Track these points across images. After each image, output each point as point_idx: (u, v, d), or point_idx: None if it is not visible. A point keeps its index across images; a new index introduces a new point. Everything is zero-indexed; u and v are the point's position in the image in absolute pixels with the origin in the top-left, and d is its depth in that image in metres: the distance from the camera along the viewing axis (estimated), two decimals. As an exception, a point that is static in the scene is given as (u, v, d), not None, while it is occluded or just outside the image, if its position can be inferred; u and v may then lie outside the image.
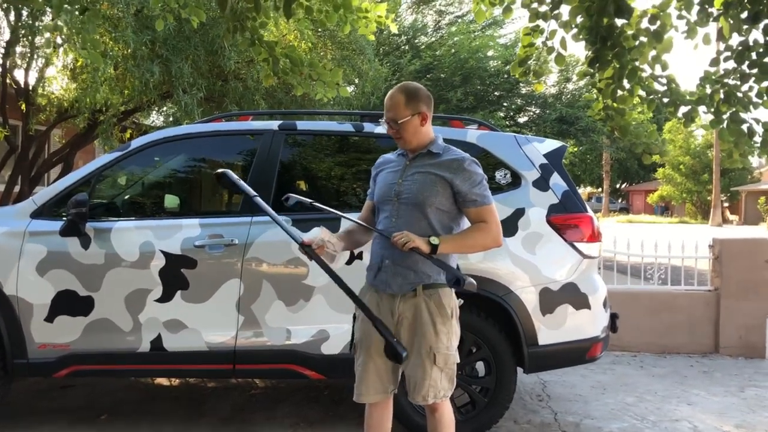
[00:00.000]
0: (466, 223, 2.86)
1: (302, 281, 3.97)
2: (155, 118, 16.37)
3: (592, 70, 5.23)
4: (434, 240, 2.67)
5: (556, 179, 4.23)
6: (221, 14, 5.05)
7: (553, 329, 4.04)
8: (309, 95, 5.42)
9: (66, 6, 4.98)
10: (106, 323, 3.93)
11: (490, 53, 20.49)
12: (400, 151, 2.97)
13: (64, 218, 3.94)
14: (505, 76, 19.63)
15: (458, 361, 2.84)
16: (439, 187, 2.78)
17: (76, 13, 5.12)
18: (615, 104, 5.39)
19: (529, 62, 5.69)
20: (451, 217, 2.83)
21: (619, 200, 64.05)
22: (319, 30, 10.69)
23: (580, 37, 5.24)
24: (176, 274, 3.93)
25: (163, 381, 5.30)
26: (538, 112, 21.02)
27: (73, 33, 4.96)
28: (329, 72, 5.56)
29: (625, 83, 5.20)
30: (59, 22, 5.02)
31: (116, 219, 4.17)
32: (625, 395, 5.17)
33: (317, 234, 2.80)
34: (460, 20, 21.67)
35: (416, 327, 2.76)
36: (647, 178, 58.75)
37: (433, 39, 21.42)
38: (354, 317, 2.96)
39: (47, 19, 8.54)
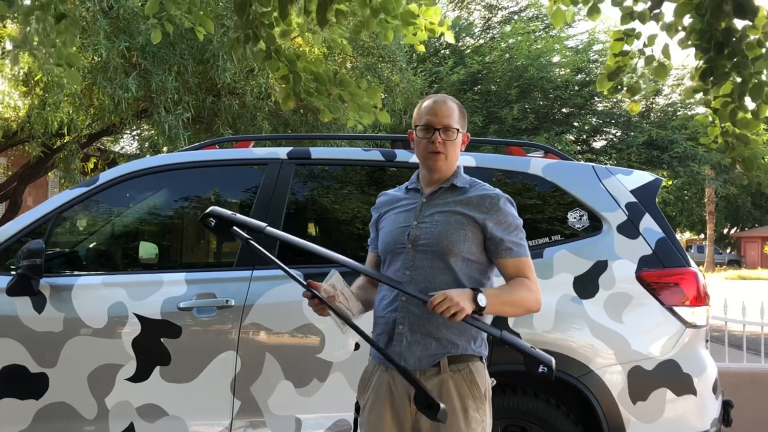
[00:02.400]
0: (496, 279, 2.90)
1: (316, 355, 3.97)
2: (127, 143, 16.67)
3: (705, 86, 5.20)
4: (482, 299, 2.65)
5: (648, 223, 4.22)
6: (239, 22, 5.12)
7: (646, 422, 3.97)
8: (338, 120, 5.41)
9: (37, 13, 5.11)
10: (63, 409, 3.94)
11: (555, 59, 20.62)
12: (408, 185, 3.01)
13: (13, 272, 4.00)
14: (576, 88, 19.71)
15: None
16: (468, 231, 2.81)
17: (51, 20, 5.24)
18: (736, 129, 5.34)
19: (621, 75, 5.70)
20: (481, 270, 2.86)
21: (728, 250, 63.29)
22: (354, 40, 10.85)
23: (689, 42, 5.24)
24: (155, 346, 3.95)
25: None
26: (619, 134, 21.00)
27: (44, 44, 5.07)
28: (365, 92, 5.58)
29: (748, 102, 5.16)
30: (29, 30, 5.14)
31: (79, 273, 4.22)
32: None
33: (330, 279, 2.79)
34: (516, 17, 21.92)
35: None
36: (764, 220, 58.09)
37: (482, 41, 21.68)
38: (357, 407, 2.95)
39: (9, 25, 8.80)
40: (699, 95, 5.67)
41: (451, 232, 2.80)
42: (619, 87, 5.76)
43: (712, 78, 5.13)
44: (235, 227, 2.95)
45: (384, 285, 2.89)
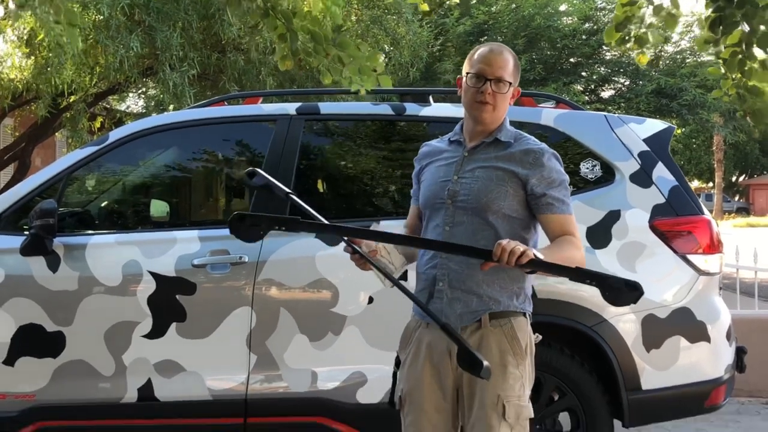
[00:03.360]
0: (540, 234, 2.85)
1: (331, 309, 3.99)
2: (133, 102, 16.62)
3: (714, 36, 5.12)
4: (537, 254, 2.56)
5: (661, 171, 4.20)
6: None
7: (660, 369, 4.00)
8: (338, 84, 5.30)
9: None
10: (80, 366, 3.98)
11: (562, 7, 20.41)
12: (450, 137, 2.94)
13: (26, 233, 4.01)
14: (584, 37, 19.52)
15: (532, 415, 2.79)
16: (509, 187, 2.74)
17: None
18: (748, 81, 5.27)
19: (629, 26, 5.60)
20: (524, 225, 2.80)
21: (736, 198, 63.12)
22: None
23: None
24: (170, 303, 3.97)
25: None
26: (627, 83, 20.84)
27: (43, 1, 5.00)
28: (365, 55, 5.49)
29: (758, 53, 5.08)
30: None
31: (92, 232, 4.23)
32: (757, 455, 5.08)
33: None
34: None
35: None
36: (773, 167, 57.80)
37: (488, -9, 21.40)
38: (397, 361, 2.93)
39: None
40: (711, 47, 5.58)
41: (492, 189, 2.73)
42: (627, 38, 5.67)
43: (721, 27, 5.05)
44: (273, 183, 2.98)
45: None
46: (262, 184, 2.97)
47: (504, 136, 2.82)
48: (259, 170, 3.02)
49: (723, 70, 5.41)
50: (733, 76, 5.32)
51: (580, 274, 2.59)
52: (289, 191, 2.96)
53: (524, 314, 2.81)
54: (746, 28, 5.03)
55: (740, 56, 5.13)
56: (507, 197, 2.74)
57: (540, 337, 2.85)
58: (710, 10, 5.08)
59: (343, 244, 2.80)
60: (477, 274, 2.69)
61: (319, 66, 5.44)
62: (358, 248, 2.72)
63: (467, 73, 2.80)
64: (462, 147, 2.87)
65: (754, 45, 5.05)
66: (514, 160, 2.76)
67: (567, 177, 2.82)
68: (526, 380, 2.76)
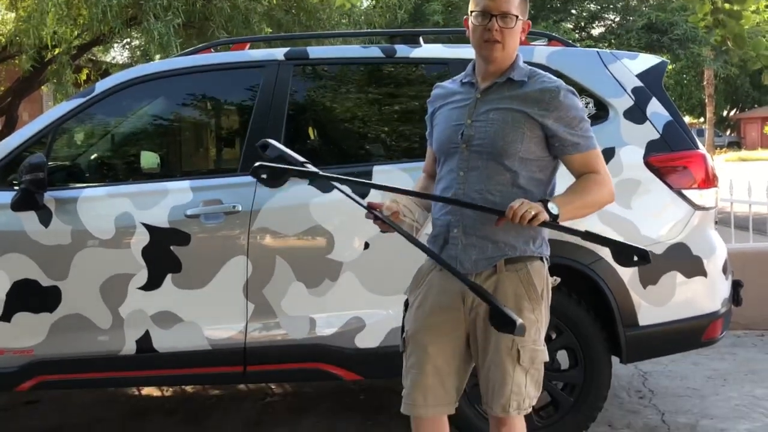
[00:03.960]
0: (560, 174, 2.81)
1: (326, 256, 3.98)
2: (118, 53, 16.40)
3: None
4: (553, 207, 2.55)
5: (655, 107, 4.16)
6: None
7: (657, 305, 4.02)
8: (313, 7, 5.19)
9: None
10: (77, 320, 3.98)
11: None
12: (462, 78, 2.86)
13: (16, 187, 3.97)
14: (573, -27, 19.29)
15: (547, 359, 2.79)
16: (525, 129, 2.67)
17: None
18: (727, 5, 5.20)
19: None
20: (542, 167, 2.74)
21: (728, 132, 63.07)
22: None
23: None
24: (165, 254, 3.96)
25: (153, 392, 5.38)
26: (618, 19, 20.68)
27: None
28: None
29: None
30: None
31: (83, 185, 4.20)
32: (753, 386, 5.15)
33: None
34: None
35: None
36: (763, 101, 57.65)
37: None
38: (406, 304, 2.91)
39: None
40: None
41: (507, 132, 2.67)
42: None
43: None
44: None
45: (440, 184, 2.80)
46: (276, 155, 2.87)
47: (517, 75, 2.74)
48: (271, 141, 2.89)
49: None
50: (713, 1, 5.25)
51: (592, 238, 2.61)
52: (305, 160, 2.83)
53: (541, 258, 2.78)
54: None
55: None
56: (524, 140, 2.68)
57: (558, 279, 2.84)
58: None
59: (336, 194, 2.78)
60: (492, 220, 2.65)
61: None
62: (378, 214, 2.68)
63: (472, 12, 2.72)
64: (475, 88, 2.80)
65: None
66: (530, 100, 2.69)
67: (585, 111, 2.76)
68: (541, 324, 2.75)
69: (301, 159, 2.82)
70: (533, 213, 2.48)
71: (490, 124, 2.70)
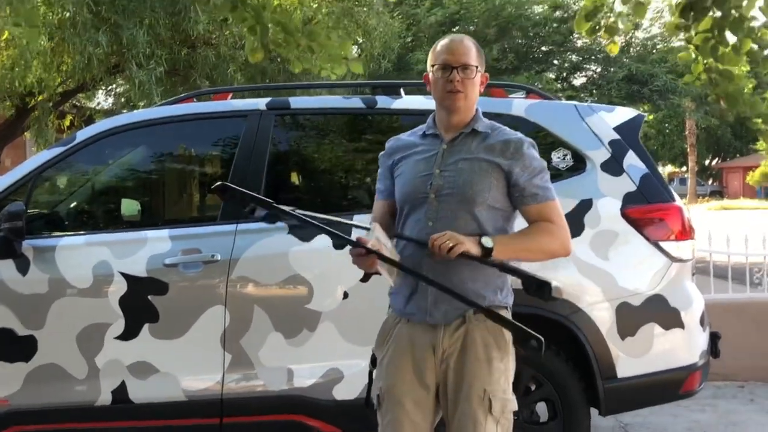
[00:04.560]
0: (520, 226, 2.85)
1: (305, 305, 3.98)
2: (102, 100, 16.46)
3: (686, 22, 5.14)
4: (487, 241, 2.62)
5: (631, 159, 4.21)
6: None
7: (635, 357, 4.02)
8: (309, 71, 5.27)
9: None
10: (53, 370, 3.95)
11: (533, -4, 20.45)
12: (425, 130, 2.92)
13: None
14: (555, 25, 19.61)
15: (516, 408, 2.81)
16: (492, 178, 2.75)
17: None
18: (719, 65, 5.29)
19: (598, 15, 5.60)
20: (506, 217, 2.82)
21: (710, 181, 63.66)
22: None
23: None
24: (142, 303, 3.94)
25: (128, 441, 5.31)
26: (599, 70, 20.97)
27: (2, 3, 4.93)
28: (334, 43, 5.46)
29: (729, 37, 5.10)
30: None
31: (61, 234, 4.19)
32: (733, 439, 5.12)
33: (374, 232, 2.70)
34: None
35: (465, 365, 2.72)
36: (745, 151, 58.34)
37: (459, -19, 21.41)
38: (373, 359, 2.91)
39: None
40: (681, 32, 5.60)
41: (476, 180, 2.74)
42: (597, 27, 5.68)
43: (692, 13, 5.07)
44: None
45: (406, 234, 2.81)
46: (265, 214, 2.87)
47: (481, 127, 2.83)
48: (230, 184, 2.84)
49: (694, 55, 5.43)
50: (705, 61, 5.33)
51: (506, 269, 2.68)
52: (292, 209, 2.82)
53: (506, 307, 2.82)
54: (717, 13, 5.05)
55: (713, 41, 5.14)
56: (492, 188, 2.75)
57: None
58: None
59: (319, 240, 2.78)
60: (462, 270, 2.69)
61: (288, 55, 5.41)
62: (373, 249, 2.64)
63: (433, 66, 2.81)
64: (439, 140, 2.85)
65: (726, 30, 5.07)
66: (496, 151, 2.77)
67: (545, 163, 2.84)
68: (510, 374, 2.78)
69: (288, 209, 2.81)
70: (450, 244, 2.54)
71: (459, 174, 2.76)
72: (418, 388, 2.76)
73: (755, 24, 5.10)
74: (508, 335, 2.76)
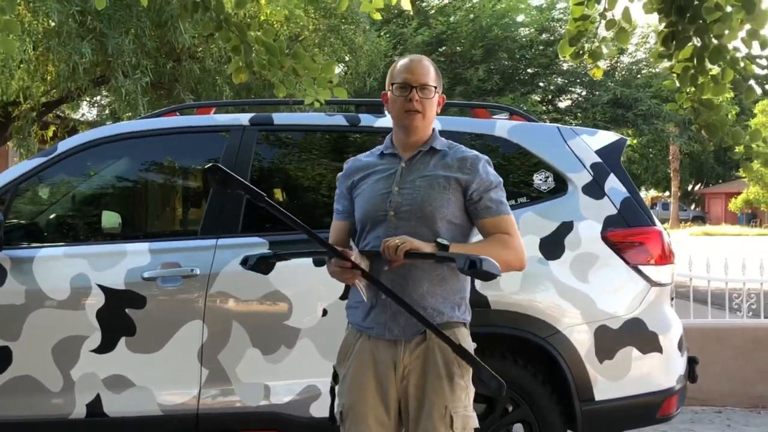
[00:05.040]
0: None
1: (284, 322, 3.97)
2: (86, 111, 16.43)
3: (667, 51, 5.18)
4: (443, 240, 2.66)
5: (612, 183, 4.24)
6: None
7: (613, 380, 4.03)
8: (293, 96, 5.27)
9: None
10: (27, 382, 3.92)
11: (520, 18, 20.61)
12: (383, 150, 2.95)
13: (-28, 246, 3.94)
14: (541, 47, 19.74)
15: (477, 425, 2.83)
16: (450, 194, 2.79)
17: None
18: (701, 95, 5.32)
19: (582, 40, 5.65)
20: (464, 233, 2.86)
21: (692, 206, 64.05)
22: (316, 1, 10.69)
23: (652, 6, 5.21)
24: (119, 316, 3.93)
25: (102, 456, 5.26)
26: (584, 93, 21.12)
27: None
28: (320, 66, 5.46)
29: (709, 66, 5.13)
30: None
31: (39, 245, 4.17)
32: (709, 464, 5.14)
33: (355, 250, 2.71)
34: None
35: (426, 382, 2.74)
36: (727, 177, 58.79)
37: (446, 1, 21.55)
38: (335, 376, 2.93)
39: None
40: (665, 60, 5.65)
41: (435, 197, 2.77)
42: (581, 52, 5.72)
43: (674, 42, 5.11)
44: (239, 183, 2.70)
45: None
46: (255, 263, 2.83)
47: (439, 145, 2.88)
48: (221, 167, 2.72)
49: (677, 84, 5.47)
50: (687, 90, 5.37)
51: (442, 256, 2.66)
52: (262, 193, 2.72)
53: (464, 324, 2.85)
54: (698, 43, 5.09)
55: (692, 71, 5.18)
56: (450, 204, 2.78)
57: (475, 345, 2.85)
58: (663, 25, 5.14)
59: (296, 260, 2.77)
60: (421, 285, 2.72)
61: (273, 79, 5.40)
62: (356, 263, 2.65)
63: (392, 85, 2.85)
64: (398, 159, 2.89)
65: (706, 60, 5.11)
66: (453, 168, 2.82)
67: (501, 179, 2.88)
68: (470, 390, 2.80)
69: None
70: (397, 242, 2.58)
71: (417, 191, 2.79)
72: (380, 405, 2.77)
73: (738, 55, 5.14)
74: (470, 350, 2.78)
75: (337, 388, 2.91)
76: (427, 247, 2.64)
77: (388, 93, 2.88)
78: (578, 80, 20.72)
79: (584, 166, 4.26)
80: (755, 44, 5.06)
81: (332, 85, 5.29)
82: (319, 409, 3.94)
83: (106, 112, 14.33)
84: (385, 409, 2.78)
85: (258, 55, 5.30)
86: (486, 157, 2.89)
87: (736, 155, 5.53)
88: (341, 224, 2.98)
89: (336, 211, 3.02)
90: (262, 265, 2.79)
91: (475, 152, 2.89)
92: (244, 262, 2.80)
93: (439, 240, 2.67)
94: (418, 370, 2.75)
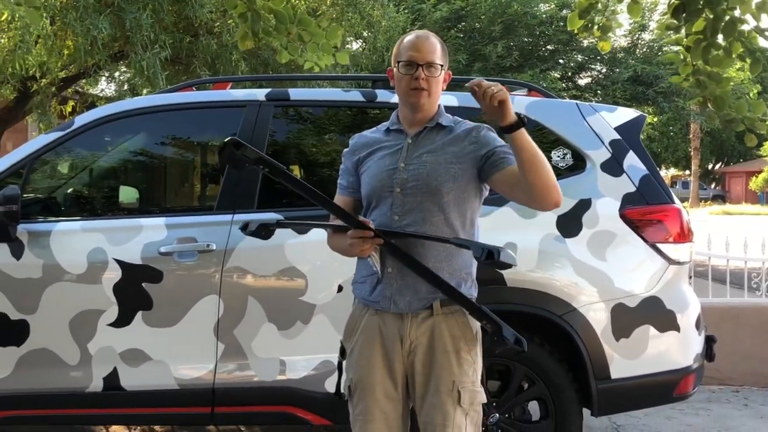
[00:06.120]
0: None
1: (299, 297, 3.98)
2: (105, 86, 16.47)
3: (677, 23, 5.13)
4: (522, 115, 2.57)
5: (632, 160, 4.21)
6: None
7: (629, 358, 4.02)
8: (297, 62, 5.26)
9: None
10: (45, 355, 3.95)
11: (540, -6, 20.41)
12: (389, 126, 2.94)
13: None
14: (561, 24, 19.54)
15: (485, 400, 2.84)
16: (457, 168, 2.77)
17: None
18: (708, 67, 5.28)
19: (592, 13, 5.61)
20: (472, 208, 2.84)
21: (713, 185, 63.63)
22: None
23: None
24: (136, 291, 3.95)
25: (119, 430, 5.32)
26: (604, 71, 20.95)
27: None
28: (324, 32, 5.44)
29: (720, 39, 5.08)
30: None
31: (57, 219, 4.20)
32: (726, 443, 5.13)
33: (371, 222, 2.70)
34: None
35: (433, 356, 2.74)
36: (749, 155, 58.30)
37: (466, -23, 21.39)
38: (342, 350, 2.94)
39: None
40: (670, 33, 5.61)
41: (441, 172, 2.76)
42: (590, 25, 5.67)
43: (684, 15, 5.06)
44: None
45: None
46: (256, 229, 2.80)
47: (445, 121, 2.86)
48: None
49: (683, 57, 5.42)
50: (694, 63, 5.32)
51: (459, 244, 2.66)
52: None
53: (471, 299, 2.83)
54: (710, 15, 5.03)
55: (704, 43, 5.13)
56: (456, 179, 2.76)
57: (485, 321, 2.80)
58: None
59: (314, 233, 2.75)
60: (427, 260, 2.71)
61: (276, 45, 5.39)
62: (377, 231, 2.62)
63: (398, 62, 2.82)
64: (404, 135, 2.88)
65: (719, 32, 5.05)
66: (460, 140, 2.81)
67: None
68: (478, 366, 2.81)
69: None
70: (496, 90, 2.50)
71: (423, 166, 2.78)
72: (388, 379, 2.79)
73: (745, 27, 5.08)
74: (474, 327, 2.79)
75: (344, 363, 2.92)
76: (512, 111, 2.53)
77: (394, 69, 2.85)
78: (598, 57, 20.52)
79: (603, 143, 4.23)
80: (765, 17, 5.01)
81: (336, 50, 5.28)
82: (334, 385, 3.94)
83: (125, 87, 14.34)
84: (393, 383, 2.79)
85: (265, 21, 5.28)
86: (486, 125, 2.85)
87: (739, 127, 5.50)
88: (345, 199, 2.97)
89: (340, 186, 3.01)
90: (262, 230, 2.77)
91: (475, 123, 2.86)
92: (244, 228, 2.80)
93: (519, 114, 2.55)
94: (425, 345, 2.75)
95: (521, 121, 2.56)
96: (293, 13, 5.39)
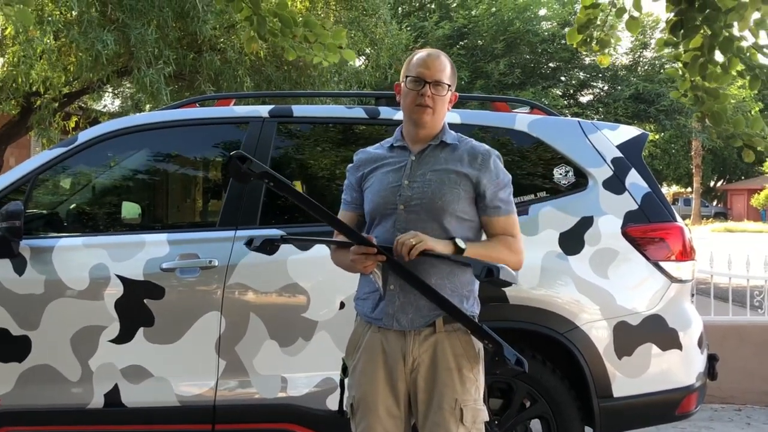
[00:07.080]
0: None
1: (301, 314, 3.97)
2: (109, 102, 16.51)
3: (675, 39, 5.15)
4: (461, 242, 2.67)
5: (634, 178, 4.21)
6: None
7: (632, 376, 4.01)
8: (305, 63, 5.33)
9: None
10: (46, 371, 3.94)
11: (542, 12, 20.53)
12: (392, 142, 2.94)
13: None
14: (562, 42, 19.61)
15: (487, 418, 2.84)
16: (461, 189, 2.78)
17: None
18: (706, 83, 5.30)
19: (591, 28, 5.63)
20: (474, 230, 2.85)
21: (714, 203, 63.60)
22: None
23: None
24: (138, 307, 3.94)
25: (120, 445, 5.29)
26: (606, 88, 21.00)
27: None
28: (329, 33, 5.50)
29: (718, 56, 5.10)
30: None
31: (59, 235, 4.19)
32: (729, 463, 5.10)
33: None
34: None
35: (435, 374, 2.74)
36: (751, 173, 58.35)
37: (468, -6, 21.47)
38: (344, 368, 2.93)
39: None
40: (669, 49, 5.63)
41: (445, 192, 2.77)
42: (589, 40, 5.70)
43: (682, 31, 5.08)
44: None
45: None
46: (261, 244, 2.81)
47: (449, 139, 2.87)
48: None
49: (681, 72, 5.44)
50: (692, 79, 5.34)
51: (458, 260, 2.68)
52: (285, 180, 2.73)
53: (473, 317, 2.83)
54: (707, 32, 5.05)
55: (701, 60, 5.15)
56: (460, 200, 2.78)
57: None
58: (672, 13, 5.10)
59: (317, 249, 2.77)
60: (429, 277, 2.71)
61: (283, 44, 5.44)
62: (382, 249, 2.64)
63: (406, 77, 2.84)
64: (407, 152, 2.88)
65: (716, 49, 5.08)
66: (464, 162, 2.81)
67: (510, 177, 2.88)
68: (479, 383, 2.81)
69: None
70: (413, 242, 2.57)
71: (428, 185, 2.79)
72: (390, 396, 2.78)
73: (744, 44, 5.11)
74: (477, 345, 2.79)
75: (346, 380, 2.91)
76: (440, 246, 2.64)
77: (402, 84, 2.86)
78: (600, 74, 20.61)
79: (605, 161, 4.23)
80: (763, 34, 5.04)
81: (341, 49, 5.33)
82: (336, 402, 3.91)
83: (129, 103, 14.38)
84: (395, 401, 2.79)
85: (272, 25, 5.33)
86: (496, 152, 2.87)
87: (737, 143, 5.51)
88: (349, 215, 2.98)
89: (344, 201, 3.02)
90: (267, 246, 2.78)
91: (486, 147, 2.87)
92: (249, 243, 2.80)
93: (456, 241, 2.67)
94: (428, 363, 2.75)
95: (458, 247, 2.66)
96: (297, 16, 5.44)
